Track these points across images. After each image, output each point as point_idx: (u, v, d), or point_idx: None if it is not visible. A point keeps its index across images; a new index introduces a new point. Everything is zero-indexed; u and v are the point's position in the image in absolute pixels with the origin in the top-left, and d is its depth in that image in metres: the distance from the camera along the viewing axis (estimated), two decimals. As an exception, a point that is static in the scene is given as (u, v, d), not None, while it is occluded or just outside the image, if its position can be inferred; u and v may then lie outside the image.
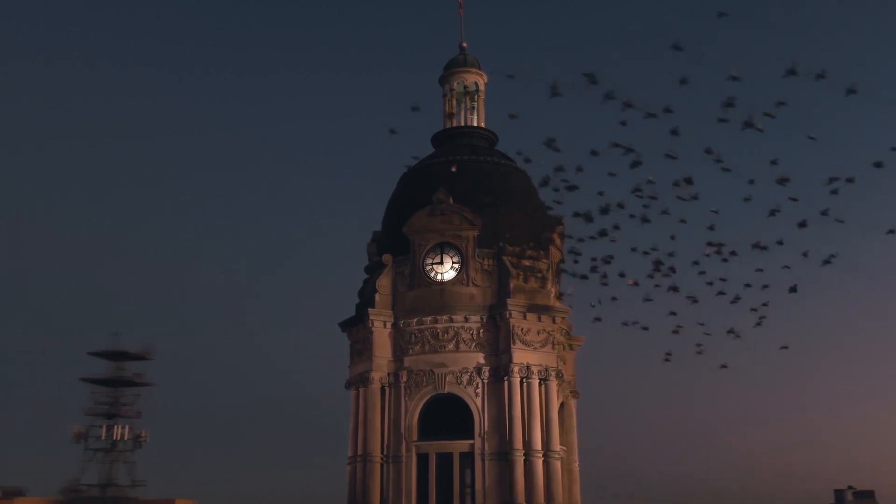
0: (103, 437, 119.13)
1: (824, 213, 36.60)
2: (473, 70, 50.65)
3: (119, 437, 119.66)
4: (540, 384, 41.60)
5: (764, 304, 40.98)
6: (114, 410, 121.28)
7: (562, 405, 45.12)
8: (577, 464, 46.82)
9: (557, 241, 46.67)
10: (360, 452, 42.24)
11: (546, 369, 41.70)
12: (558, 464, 41.15)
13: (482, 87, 50.95)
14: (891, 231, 38.57)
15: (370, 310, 42.96)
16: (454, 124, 49.96)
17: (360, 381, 43.29)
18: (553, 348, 42.57)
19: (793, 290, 40.20)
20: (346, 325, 45.34)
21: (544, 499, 39.94)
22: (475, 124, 50.26)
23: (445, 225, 43.58)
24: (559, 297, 46.74)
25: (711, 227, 39.32)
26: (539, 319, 42.21)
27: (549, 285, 43.94)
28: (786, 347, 48.09)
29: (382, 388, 42.70)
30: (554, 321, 42.82)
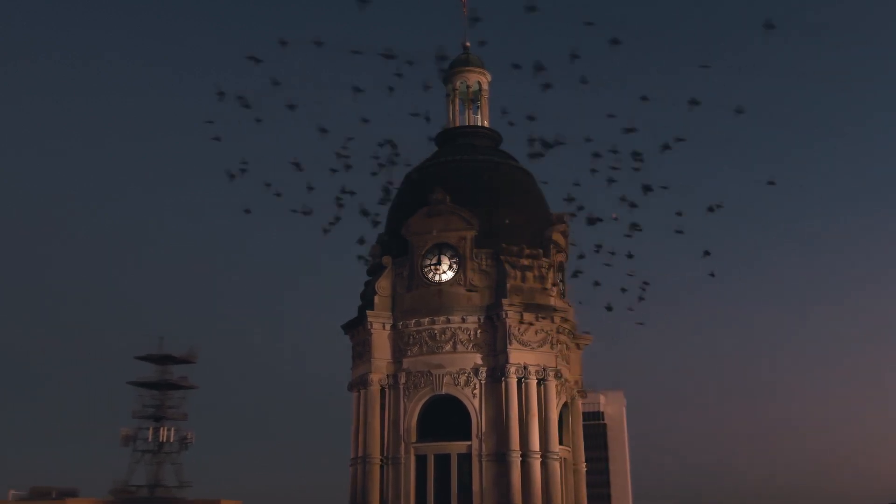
0: (150, 440, 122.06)
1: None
2: (476, 69, 50.34)
3: (165, 439, 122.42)
4: (538, 384, 41.14)
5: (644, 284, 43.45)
6: (160, 413, 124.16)
7: (565, 405, 44.55)
8: (584, 464, 46.27)
9: (561, 239, 46.18)
10: (360, 454, 42.36)
11: (544, 369, 41.22)
12: (557, 465, 40.66)
13: (485, 87, 50.61)
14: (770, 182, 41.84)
15: (368, 312, 43.09)
16: (457, 124, 49.77)
17: (360, 383, 43.43)
18: (552, 348, 42.07)
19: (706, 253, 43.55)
20: (348, 328, 45.53)
21: (542, 500, 39.49)
22: (478, 124, 49.97)
23: (443, 226, 43.43)
24: (563, 295, 46.26)
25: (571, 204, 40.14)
26: (537, 319, 41.73)
27: (549, 284, 43.44)
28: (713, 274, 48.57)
29: (383, 390, 42.75)
30: (553, 321, 42.31)
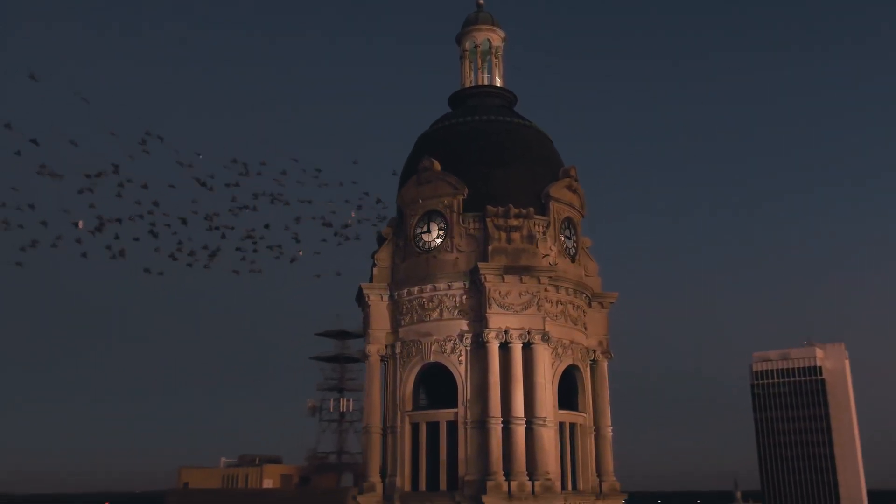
0: (332, 409, 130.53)
1: None
2: (485, 27, 48.79)
3: (346, 409, 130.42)
4: (524, 348, 39.75)
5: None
6: (341, 385, 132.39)
7: (574, 367, 42.60)
8: (610, 428, 44.07)
9: (567, 195, 44.02)
10: (365, 423, 43.33)
11: (529, 332, 39.69)
12: (544, 431, 39.06)
13: (497, 45, 48.93)
14: None
15: (362, 284, 43.70)
16: (467, 84, 48.70)
17: (364, 354, 44.23)
18: (539, 310, 40.34)
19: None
20: (358, 301, 46.36)
21: (526, 467, 38.27)
22: (488, 83, 48.51)
23: (431, 193, 42.96)
24: (573, 253, 44.16)
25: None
26: (521, 281, 40.18)
27: (545, 243, 41.62)
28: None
29: (384, 361, 43.38)
30: (539, 281, 40.53)
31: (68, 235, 34.94)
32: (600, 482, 43.20)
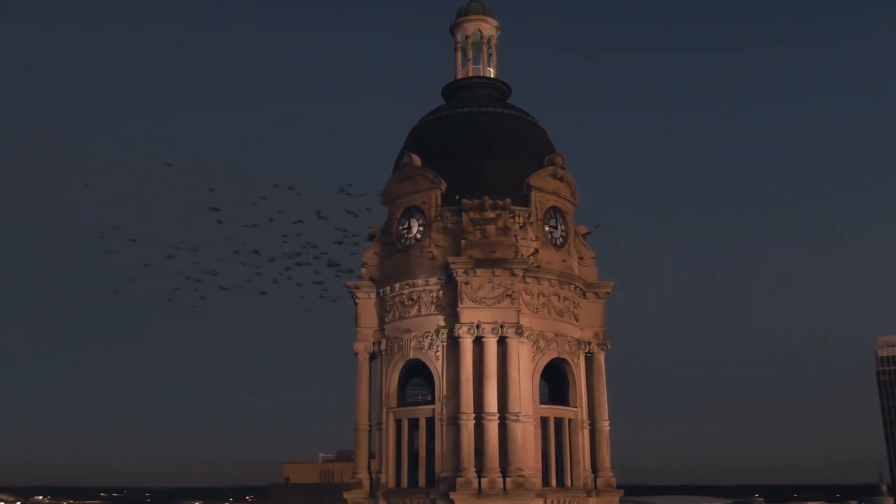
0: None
1: None
2: (475, 17, 47.97)
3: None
4: (499, 342, 38.96)
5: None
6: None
7: (562, 361, 41.42)
8: (607, 422, 42.58)
9: (551, 184, 42.87)
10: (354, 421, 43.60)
11: (501, 326, 38.87)
12: (518, 426, 38.11)
13: (489, 35, 48.00)
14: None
15: (348, 282, 43.98)
16: (458, 76, 48.10)
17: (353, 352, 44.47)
18: (513, 303, 39.40)
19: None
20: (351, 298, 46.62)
21: (499, 463, 37.52)
22: (480, 75, 47.70)
23: (411, 188, 42.75)
24: (562, 243, 42.97)
25: None
26: (494, 274, 39.36)
27: (519, 235, 40.66)
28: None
29: (374, 357, 43.51)
30: (513, 273, 39.58)
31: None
32: (595, 478, 41.81)
